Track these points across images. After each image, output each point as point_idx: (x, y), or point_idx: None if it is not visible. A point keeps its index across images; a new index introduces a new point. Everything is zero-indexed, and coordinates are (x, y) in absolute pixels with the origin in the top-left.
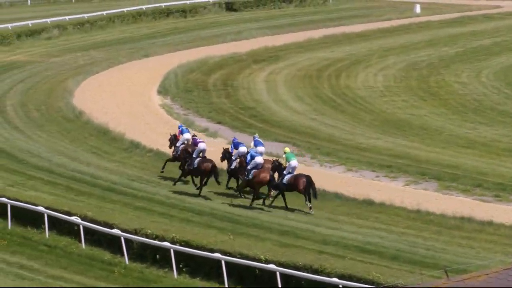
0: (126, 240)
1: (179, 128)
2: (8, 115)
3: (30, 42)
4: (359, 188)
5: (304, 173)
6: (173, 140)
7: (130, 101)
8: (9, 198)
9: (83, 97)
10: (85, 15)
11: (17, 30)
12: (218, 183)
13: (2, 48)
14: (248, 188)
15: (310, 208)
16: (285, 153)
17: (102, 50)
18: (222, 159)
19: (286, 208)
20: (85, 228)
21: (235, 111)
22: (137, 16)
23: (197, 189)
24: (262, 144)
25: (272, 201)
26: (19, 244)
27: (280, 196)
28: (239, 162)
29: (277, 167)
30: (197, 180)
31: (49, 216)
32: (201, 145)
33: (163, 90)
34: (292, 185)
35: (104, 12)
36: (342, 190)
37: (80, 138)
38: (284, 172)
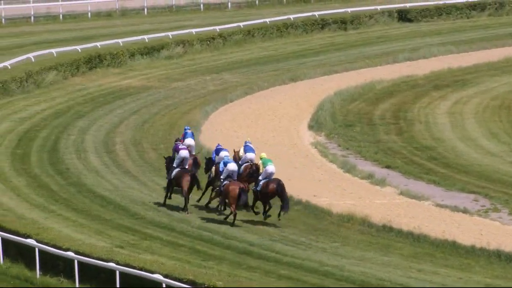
0: None
1: (184, 130)
2: (118, 156)
3: (146, 63)
4: None
5: (277, 178)
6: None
7: (272, 138)
8: (118, 263)
9: (213, 133)
10: (217, 28)
11: (130, 47)
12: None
13: (111, 70)
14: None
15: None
16: (261, 158)
17: (237, 72)
18: (206, 170)
19: (264, 215)
20: None
21: (409, 152)
22: (283, 28)
23: (183, 208)
24: (253, 151)
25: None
26: None
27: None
28: (214, 171)
29: (254, 172)
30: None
31: (169, 287)
32: (182, 153)
33: (315, 125)
34: (264, 192)
35: (241, 24)
36: None
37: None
38: (260, 177)
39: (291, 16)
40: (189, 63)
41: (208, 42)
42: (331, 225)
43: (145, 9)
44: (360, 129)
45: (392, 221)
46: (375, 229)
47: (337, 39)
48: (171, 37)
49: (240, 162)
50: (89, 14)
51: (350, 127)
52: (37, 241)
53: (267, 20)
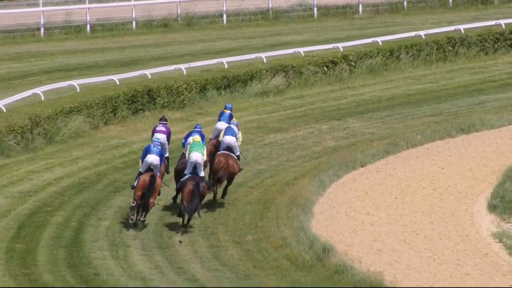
0: None
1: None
2: (178, 253)
3: (225, 101)
4: None
5: (197, 175)
6: None
7: (429, 225)
8: None
9: (332, 217)
10: (339, 46)
11: (200, 76)
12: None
13: (169, 114)
14: None
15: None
16: (193, 141)
17: (372, 118)
18: None
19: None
20: None
21: None
22: (448, 46)
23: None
24: (233, 133)
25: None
26: None
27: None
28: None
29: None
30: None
31: None
32: (157, 136)
33: (501, 204)
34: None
35: (379, 39)
36: None
37: None
38: (186, 171)
39: (461, 27)
40: (295, 103)
41: (326, 69)
42: None
43: (224, 17)
44: None
45: None
46: None
47: None
48: (265, 60)
49: (220, 149)
50: (134, 23)
51: None
52: None
53: (422, 33)
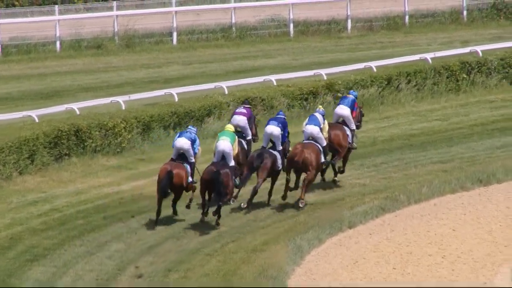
0: None
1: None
2: None
3: None
4: None
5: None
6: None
7: None
8: None
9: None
10: (322, 72)
11: (143, 113)
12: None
13: (102, 161)
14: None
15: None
16: (225, 129)
17: (364, 166)
18: None
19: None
20: None
21: None
22: (462, 73)
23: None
24: (316, 122)
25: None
26: None
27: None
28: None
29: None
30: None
31: None
32: (236, 118)
33: None
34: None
35: (373, 64)
36: None
37: None
38: (213, 160)
39: (479, 48)
40: None
41: (305, 102)
42: None
43: (174, 35)
44: None
45: None
46: None
47: None
48: (227, 91)
49: (304, 139)
50: (58, 44)
51: None
52: None
53: (428, 56)
